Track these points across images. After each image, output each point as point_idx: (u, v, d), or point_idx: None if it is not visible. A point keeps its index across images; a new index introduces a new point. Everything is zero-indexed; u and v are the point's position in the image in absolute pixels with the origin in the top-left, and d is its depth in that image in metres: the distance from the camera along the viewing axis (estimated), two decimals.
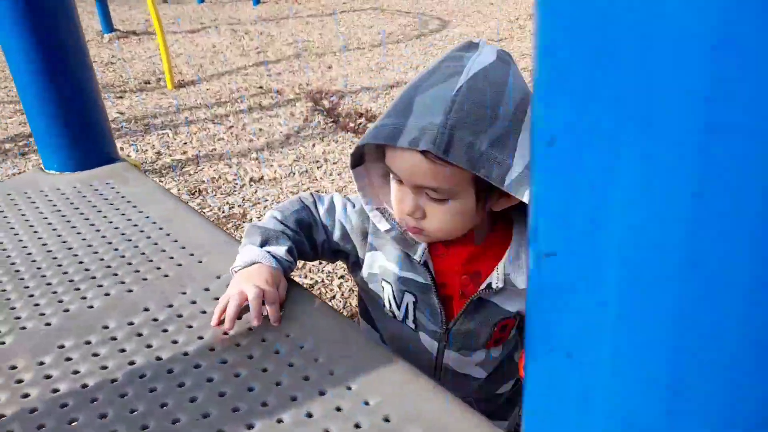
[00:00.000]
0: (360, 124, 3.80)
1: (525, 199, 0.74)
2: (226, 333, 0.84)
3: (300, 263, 1.72)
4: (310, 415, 0.71)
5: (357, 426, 0.69)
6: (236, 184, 3.05)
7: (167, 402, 0.74)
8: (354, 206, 0.97)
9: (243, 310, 0.85)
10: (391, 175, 0.84)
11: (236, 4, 8.92)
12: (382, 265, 0.94)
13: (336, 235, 0.96)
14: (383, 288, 0.95)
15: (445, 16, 7.08)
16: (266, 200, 2.86)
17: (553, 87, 0.26)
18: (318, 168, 3.18)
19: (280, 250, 0.91)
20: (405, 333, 0.97)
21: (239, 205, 2.82)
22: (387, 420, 0.69)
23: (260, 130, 3.76)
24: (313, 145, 3.49)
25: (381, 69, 4.98)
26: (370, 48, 5.74)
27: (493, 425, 0.69)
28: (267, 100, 4.34)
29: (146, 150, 3.53)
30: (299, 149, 3.45)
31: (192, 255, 1.04)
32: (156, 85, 4.78)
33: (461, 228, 0.85)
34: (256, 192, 2.96)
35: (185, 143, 3.60)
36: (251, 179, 3.09)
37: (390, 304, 0.96)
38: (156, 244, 1.08)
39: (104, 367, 0.80)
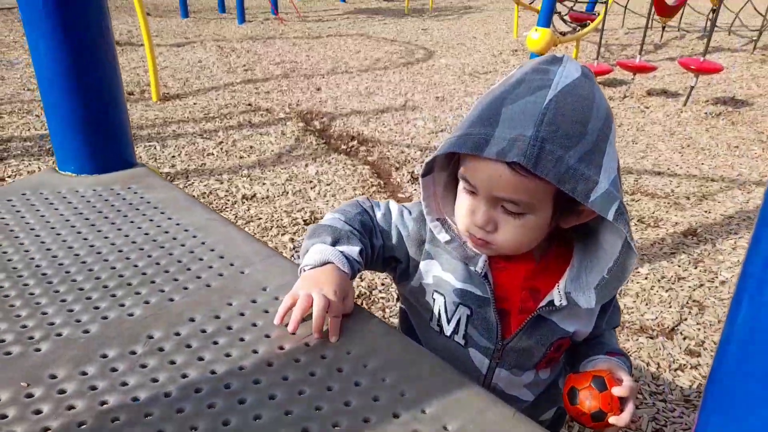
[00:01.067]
0: (352, 146, 3.79)
1: (610, 217, 0.73)
2: (293, 333, 0.82)
3: None
4: None
5: None
6: (228, 200, 2.99)
7: (230, 420, 0.69)
8: (410, 213, 0.95)
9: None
10: (462, 186, 0.83)
11: (221, 21, 8.89)
12: (437, 275, 0.91)
13: (392, 240, 0.94)
14: (434, 300, 0.93)
15: (430, 46, 7.21)
16: (260, 218, 2.80)
17: None
18: (312, 189, 3.14)
19: (354, 250, 0.87)
20: (452, 349, 0.94)
21: (232, 222, 2.75)
22: None
23: (251, 147, 3.71)
24: (306, 165, 3.45)
25: (370, 94, 5.02)
26: (359, 72, 5.78)
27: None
28: (257, 117, 4.30)
29: None
30: (291, 169, 3.41)
31: (232, 265, 0.99)
32: (140, 97, 4.69)
33: (529, 243, 0.83)
34: (249, 209, 2.89)
35: (173, 156, 3.52)
36: (243, 196, 3.02)
37: (440, 318, 0.93)
38: (192, 252, 1.03)
39: (155, 380, 0.74)
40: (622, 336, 2.09)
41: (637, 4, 8.90)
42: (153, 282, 0.94)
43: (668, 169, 3.58)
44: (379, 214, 0.95)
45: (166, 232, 1.09)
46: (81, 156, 1.30)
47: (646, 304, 2.27)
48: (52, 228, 1.09)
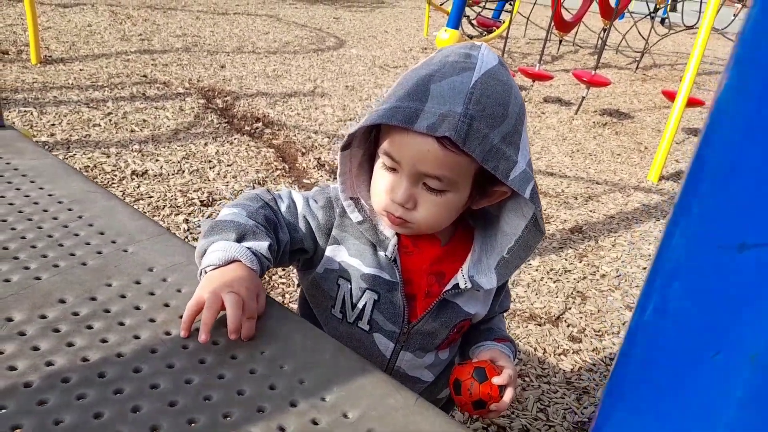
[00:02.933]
0: (257, 128, 3.65)
1: (527, 195, 0.76)
2: (205, 342, 0.71)
3: None
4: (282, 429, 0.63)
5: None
6: (115, 175, 2.75)
7: (102, 412, 0.61)
8: (316, 202, 0.90)
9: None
10: (382, 163, 0.80)
11: None
12: (343, 260, 0.89)
13: (299, 233, 0.89)
14: (339, 286, 0.90)
15: (341, 35, 7.14)
16: (151, 196, 2.61)
17: None
18: (211, 168, 2.98)
19: (262, 246, 0.79)
20: (356, 335, 0.92)
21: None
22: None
23: (144, 121, 3.45)
24: (205, 144, 3.27)
25: (278, 77, 4.86)
26: (266, 54, 5.58)
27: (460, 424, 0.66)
28: (153, 90, 4.00)
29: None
30: (189, 146, 3.21)
31: (114, 242, 0.89)
32: (16, 57, 4.19)
33: (445, 222, 0.84)
34: (139, 187, 2.68)
35: (53, 125, 3.18)
36: (133, 172, 2.80)
37: (344, 304, 0.90)
38: (66, 226, 0.91)
39: (12, 368, 0.64)
40: (513, 323, 2.19)
41: (539, 17, 9.41)
42: (16, 258, 0.82)
43: (560, 171, 3.81)
44: (283, 207, 0.89)
45: (36, 203, 0.96)
46: None
47: (536, 294, 2.40)
48: None
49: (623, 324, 2.30)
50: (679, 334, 0.32)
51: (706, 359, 0.29)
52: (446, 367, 1.01)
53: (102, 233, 0.91)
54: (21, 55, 4.25)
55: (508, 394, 0.86)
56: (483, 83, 0.73)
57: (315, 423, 0.64)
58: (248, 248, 0.78)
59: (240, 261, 0.76)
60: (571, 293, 2.43)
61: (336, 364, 0.73)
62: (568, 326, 2.21)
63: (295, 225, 0.89)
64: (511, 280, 2.49)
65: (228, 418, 0.63)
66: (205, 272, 0.76)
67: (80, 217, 0.94)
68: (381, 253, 0.87)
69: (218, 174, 2.94)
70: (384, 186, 0.80)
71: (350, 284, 0.89)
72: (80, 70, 4.17)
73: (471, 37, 6.85)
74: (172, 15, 6.71)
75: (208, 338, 0.70)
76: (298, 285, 2.13)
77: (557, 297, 2.39)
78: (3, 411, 0.59)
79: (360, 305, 0.90)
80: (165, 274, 0.84)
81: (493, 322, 1.03)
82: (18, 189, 0.99)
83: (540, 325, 2.20)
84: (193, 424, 0.61)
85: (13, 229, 0.88)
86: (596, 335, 2.19)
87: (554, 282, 2.50)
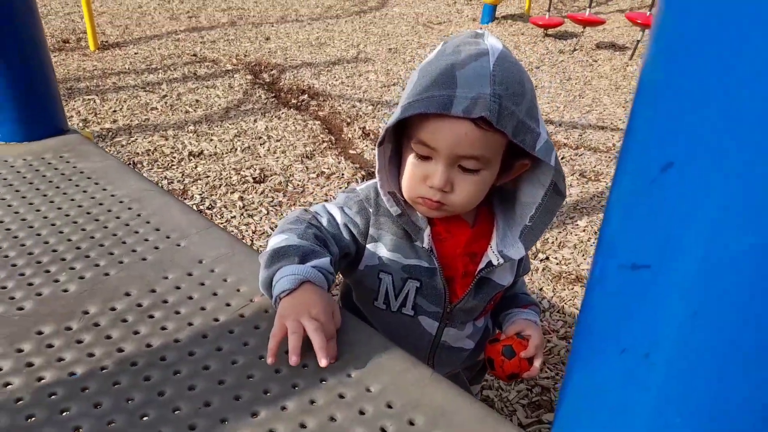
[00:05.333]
0: (303, 101, 3.74)
1: (552, 162, 0.83)
2: (296, 365, 0.76)
3: None
4: (312, 402, 0.73)
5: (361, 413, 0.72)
6: (174, 157, 2.93)
7: (164, 390, 0.73)
8: (351, 209, 0.96)
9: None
10: (415, 152, 0.85)
11: None
12: (383, 255, 0.96)
13: (344, 241, 0.95)
14: (381, 279, 0.97)
15: None
16: (207, 176, 2.77)
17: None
18: (261, 145, 3.11)
19: (325, 263, 0.83)
20: (401, 320, 1.00)
21: (179, 181, 2.71)
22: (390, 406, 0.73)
23: (197, 101, 3.61)
24: (255, 121, 3.40)
25: (321, 44, 4.90)
26: (309, 21, 5.62)
27: (496, 414, 0.74)
28: (203, 69, 4.15)
29: (71, 117, 3.29)
30: (240, 124, 3.35)
31: (168, 238, 1.01)
32: (76, 46, 4.44)
33: (479, 200, 0.89)
34: (196, 167, 2.85)
35: (114, 111, 3.39)
36: (190, 153, 2.97)
37: (387, 295, 0.98)
38: (127, 225, 1.03)
39: (91, 355, 0.77)
40: (559, 285, 2.22)
41: None
42: (87, 256, 0.95)
43: (611, 123, 3.70)
44: (324, 222, 0.94)
45: (101, 204, 1.09)
46: (8, 123, 1.26)
47: (583, 255, 2.40)
48: None
49: None
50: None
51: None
52: (483, 333, 1.10)
53: (158, 229, 1.03)
54: (80, 42, 4.50)
55: (537, 362, 0.97)
56: (500, 65, 0.79)
57: (341, 396, 0.73)
58: (314, 267, 0.82)
59: (310, 281, 0.80)
60: None
61: (361, 343, 0.82)
62: None
63: (339, 236, 0.94)
64: (558, 241, 2.50)
65: (267, 394, 0.73)
66: (280, 299, 0.80)
67: (139, 215, 1.06)
68: (417, 244, 0.93)
69: (268, 150, 3.06)
70: (419, 174, 0.85)
71: (391, 276, 0.96)
72: (135, 53, 4.37)
73: None
74: None
75: (300, 360, 0.75)
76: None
77: None
78: (86, 391, 0.72)
79: (403, 294, 0.97)
80: (213, 265, 0.95)
81: (516, 287, 1.11)
82: (85, 191, 1.12)
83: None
84: (239, 400, 0.72)
85: (84, 229, 1.01)
86: None
87: None
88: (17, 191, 1.11)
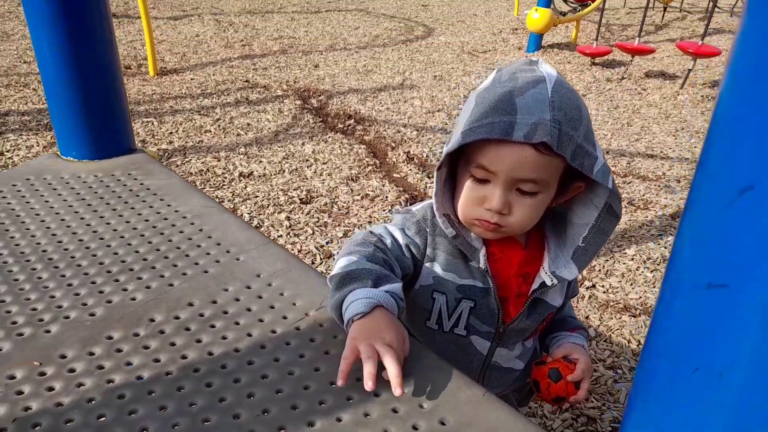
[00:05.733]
0: (349, 125, 3.82)
1: (609, 185, 0.84)
2: (371, 390, 0.74)
3: None
4: (366, 415, 0.74)
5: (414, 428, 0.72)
6: (225, 178, 3.03)
7: (225, 397, 0.76)
8: (410, 230, 0.98)
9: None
10: (472, 176, 0.87)
11: None
12: (437, 275, 0.97)
13: (406, 262, 0.97)
14: (434, 299, 0.98)
15: (429, 23, 7.16)
16: (257, 196, 2.86)
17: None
18: (308, 167, 3.19)
19: (397, 288, 0.84)
20: (453, 340, 1.01)
21: (229, 200, 2.81)
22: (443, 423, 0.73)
23: (248, 125, 3.74)
24: (303, 144, 3.49)
25: (368, 72, 5.02)
26: (357, 49, 5.76)
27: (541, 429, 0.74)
28: (255, 94, 4.31)
29: None
30: (288, 147, 3.44)
31: (228, 252, 1.05)
32: (137, 71, 4.68)
33: (535, 221, 0.90)
34: (246, 188, 2.94)
35: (171, 133, 3.55)
36: (240, 174, 3.07)
37: (440, 315, 0.99)
38: (190, 239, 1.09)
39: (157, 360, 0.81)
40: (606, 314, 2.17)
41: None
42: (153, 267, 1.00)
43: (661, 152, 3.62)
44: (388, 243, 0.96)
45: (166, 219, 1.14)
46: (81, 141, 1.34)
47: (631, 284, 2.35)
48: (57, 213, 1.14)
49: None
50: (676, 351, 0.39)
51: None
52: (532, 354, 1.09)
53: (218, 244, 1.08)
54: (141, 68, 4.74)
55: (584, 386, 0.96)
56: (557, 92, 0.81)
57: (395, 411, 0.74)
58: (386, 292, 0.82)
59: (382, 306, 0.81)
60: None
61: (414, 360, 0.83)
62: None
63: (401, 257, 0.96)
64: (605, 269, 2.45)
65: (323, 405, 0.75)
66: (352, 321, 0.80)
67: (201, 230, 1.12)
68: (473, 264, 0.95)
69: (315, 172, 3.14)
70: (477, 196, 0.87)
71: (446, 296, 0.97)
72: (191, 79, 4.57)
73: (563, 13, 6.58)
74: (269, 18, 7.10)
75: (376, 386, 0.73)
76: None
77: (655, 287, 2.33)
78: (152, 395, 0.75)
79: (456, 314, 0.98)
80: (270, 279, 0.99)
81: (564, 310, 1.11)
82: (151, 207, 1.19)
83: (635, 317, 2.16)
84: (296, 409, 0.75)
85: (150, 242, 1.07)
86: None
87: (651, 272, 2.43)
88: (89, 205, 1.18)
